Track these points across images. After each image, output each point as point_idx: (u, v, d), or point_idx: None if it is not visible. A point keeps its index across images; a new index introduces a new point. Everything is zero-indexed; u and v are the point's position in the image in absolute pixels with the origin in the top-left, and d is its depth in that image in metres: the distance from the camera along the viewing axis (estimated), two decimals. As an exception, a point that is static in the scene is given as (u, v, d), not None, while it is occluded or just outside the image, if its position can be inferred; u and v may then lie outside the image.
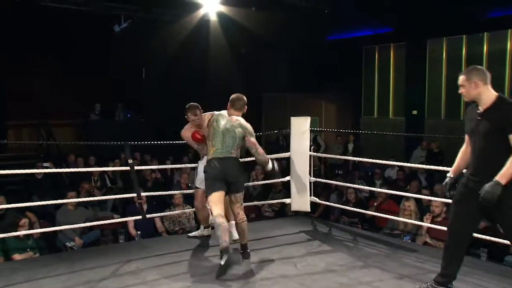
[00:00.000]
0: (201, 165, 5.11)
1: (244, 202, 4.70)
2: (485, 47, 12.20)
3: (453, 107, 12.96)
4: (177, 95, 14.20)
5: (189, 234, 5.60)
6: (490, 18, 11.54)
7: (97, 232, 7.08)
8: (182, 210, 6.90)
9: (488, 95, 3.38)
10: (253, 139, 4.60)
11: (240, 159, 4.62)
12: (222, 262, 4.21)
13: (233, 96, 4.71)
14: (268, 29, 12.46)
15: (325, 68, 14.39)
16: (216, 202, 4.38)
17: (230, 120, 4.60)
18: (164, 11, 12.36)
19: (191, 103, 5.02)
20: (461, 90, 3.45)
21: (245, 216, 4.61)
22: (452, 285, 3.66)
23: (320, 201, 6.54)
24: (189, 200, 7.53)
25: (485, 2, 11.07)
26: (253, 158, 4.97)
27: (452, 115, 12.97)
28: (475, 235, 4.17)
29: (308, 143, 5.93)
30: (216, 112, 4.81)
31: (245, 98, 4.73)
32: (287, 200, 6.35)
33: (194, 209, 6.80)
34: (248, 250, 4.67)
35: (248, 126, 4.63)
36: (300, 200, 6.01)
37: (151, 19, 12.52)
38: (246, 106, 4.73)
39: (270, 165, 4.67)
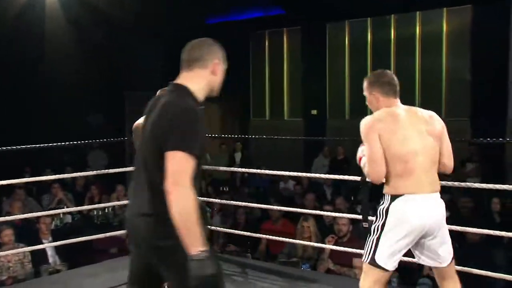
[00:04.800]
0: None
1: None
2: (393, 32, 12.97)
3: (358, 105, 13.59)
4: (6, 93, 13.47)
5: None
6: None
7: None
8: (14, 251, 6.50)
9: None
10: None
11: None
12: None
13: None
14: (132, 13, 12.24)
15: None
16: None
17: None
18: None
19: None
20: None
21: None
22: None
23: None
24: (23, 237, 7.10)
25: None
26: None
27: (357, 114, 13.58)
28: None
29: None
30: None
31: None
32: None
33: (30, 248, 6.46)
34: None
35: None
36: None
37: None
38: None
39: None
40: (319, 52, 13.88)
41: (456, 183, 4.70)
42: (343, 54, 13.82)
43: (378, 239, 3.32)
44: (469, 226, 4.76)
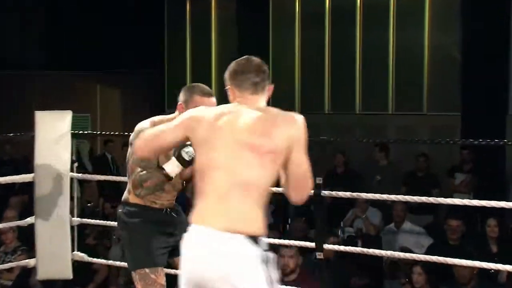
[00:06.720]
0: None
1: None
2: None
3: (312, 91, 13.72)
4: None
5: None
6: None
7: None
8: None
9: None
10: None
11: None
12: None
13: None
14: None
15: (104, 30, 14.28)
16: None
17: None
18: None
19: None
20: None
21: None
22: None
23: (91, 260, 6.42)
24: None
25: None
26: None
27: (311, 103, 13.71)
28: None
29: (68, 156, 5.97)
30: None
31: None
32: (30, 262, 6.24)
33: None
34: None
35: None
36: (54, 260, 5.94)
37: None
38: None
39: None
40: (259, 21, 13.90)
41: (441, 200, 4.73)
42: (292, 24, 13.89)
43: None
44: (458, 257, 4.82)
